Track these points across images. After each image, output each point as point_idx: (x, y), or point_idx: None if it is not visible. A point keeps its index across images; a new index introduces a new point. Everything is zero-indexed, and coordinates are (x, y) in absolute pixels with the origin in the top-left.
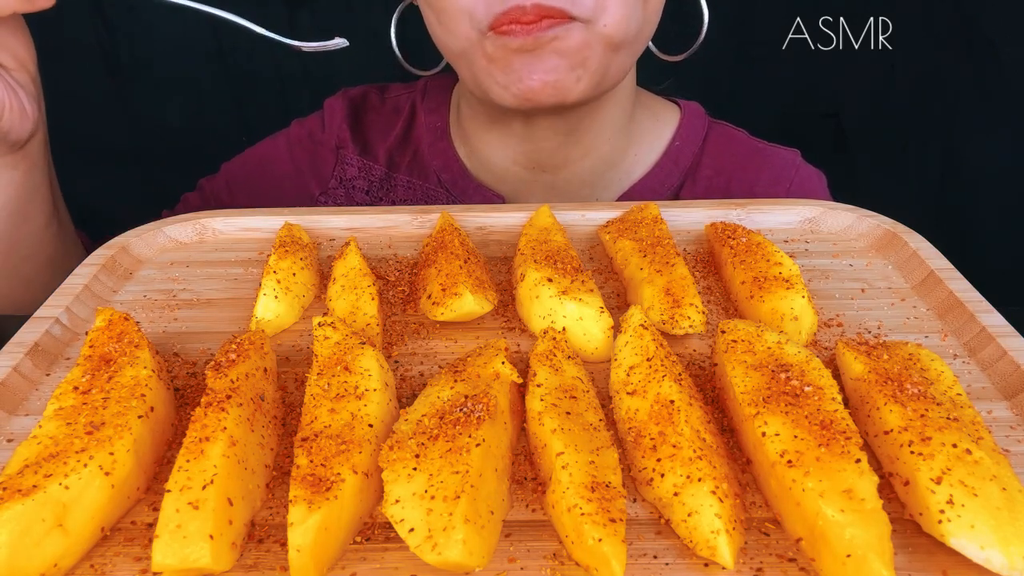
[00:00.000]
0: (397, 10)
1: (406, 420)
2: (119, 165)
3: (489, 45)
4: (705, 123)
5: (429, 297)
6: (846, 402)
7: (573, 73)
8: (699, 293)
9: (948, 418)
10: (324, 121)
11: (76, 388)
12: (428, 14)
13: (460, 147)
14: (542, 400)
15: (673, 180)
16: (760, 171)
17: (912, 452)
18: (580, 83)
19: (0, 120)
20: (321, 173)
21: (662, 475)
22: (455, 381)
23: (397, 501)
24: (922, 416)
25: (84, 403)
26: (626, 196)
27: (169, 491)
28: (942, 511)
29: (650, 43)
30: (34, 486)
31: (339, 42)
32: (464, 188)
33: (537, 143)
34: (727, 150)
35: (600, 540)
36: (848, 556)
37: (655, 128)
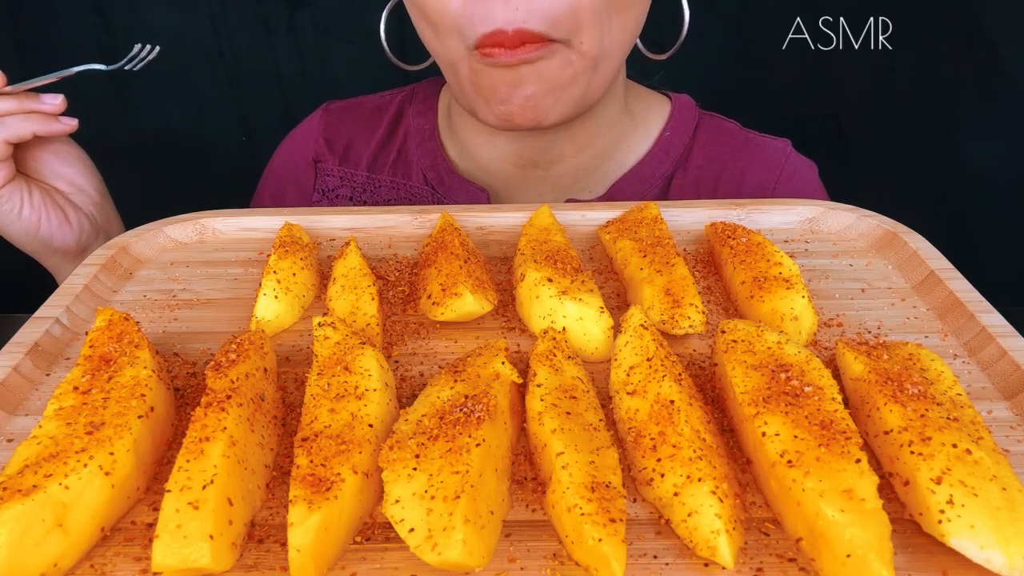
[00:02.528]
0: (386, 8)
1: (406, 420)
2: (119, 165)
3: (475, 62)
4: (695, 114)
5: (429, 297)
6: (846, 402)
7: (551, 96)
8: (699, 293)
9: (948, 418)
10: (298, 139)
11: (76, 388)
12: (419, 22)
13: (450, 147)
14: (542, 400)
15: (664, 170)
16: (750, 160)
17: (912, 452)
18: (558, 105)
19: (39, 230)
20: (304, 189)
21: (662, 475)
22: (455, 381)
23: (397, 501)
24: (922, 416)
25: (84, 403)
26: (616, 186)
27: (169, 491)
28: (942, 511)
29: (639, 42)
30: (34, 486)
31: (137, 49)
32: (450, 185)
33: (531, 142)
34: (717, 140)
35: (600, 540)
36: (848, 556)
37: (646, 120)
